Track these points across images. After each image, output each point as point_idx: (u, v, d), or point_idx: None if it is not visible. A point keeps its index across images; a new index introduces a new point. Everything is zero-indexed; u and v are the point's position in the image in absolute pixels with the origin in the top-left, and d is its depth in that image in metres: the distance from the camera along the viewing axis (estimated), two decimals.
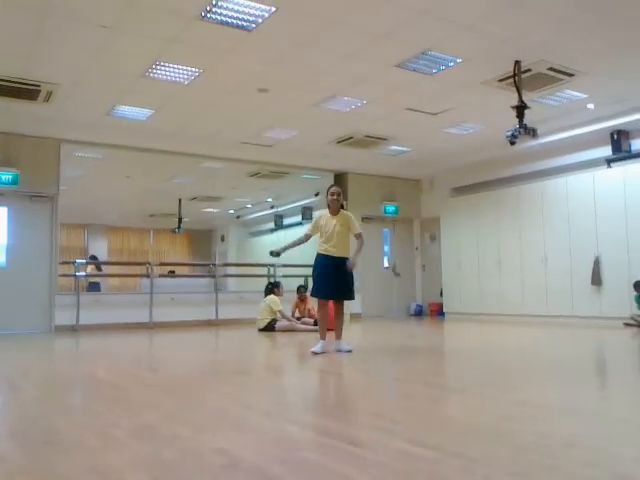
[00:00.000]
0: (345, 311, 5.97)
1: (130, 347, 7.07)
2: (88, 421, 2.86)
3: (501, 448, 2.25)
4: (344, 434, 2.50)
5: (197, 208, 16.83)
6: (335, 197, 5.72)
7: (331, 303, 5.82)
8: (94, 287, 12.67)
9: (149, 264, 10.42)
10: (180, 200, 15.62)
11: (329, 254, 5.57)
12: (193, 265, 16.60)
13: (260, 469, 2.00)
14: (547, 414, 2.89)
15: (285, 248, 5.99)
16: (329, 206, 5.76)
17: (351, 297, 5.70)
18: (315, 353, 5.48)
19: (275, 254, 6.04)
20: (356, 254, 5.66)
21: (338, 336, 5.71)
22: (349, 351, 5.53)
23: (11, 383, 4.22)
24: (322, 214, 5.82)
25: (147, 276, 10.24)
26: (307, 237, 5.87)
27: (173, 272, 12.89)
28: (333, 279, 5.56)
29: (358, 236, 5.73)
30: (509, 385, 3.89)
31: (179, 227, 17.04)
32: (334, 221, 5.65)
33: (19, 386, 4.05)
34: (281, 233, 16.95)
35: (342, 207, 5.84)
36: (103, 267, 13.93)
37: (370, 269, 12.02)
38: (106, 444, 2.37)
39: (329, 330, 5.74)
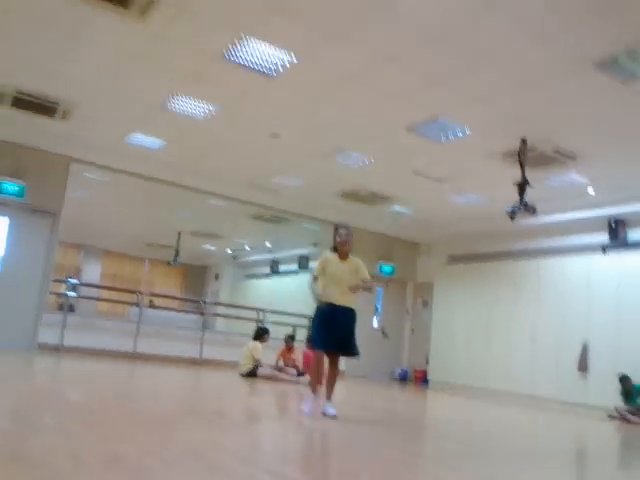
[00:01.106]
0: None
1: (112, 375, 6.99)
2: (59, 442, 2.82)
3: None
4: None
5: (195, 243, 16.89)
6: (346, 240, 5.15)
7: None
8: (69, 309, 12.37)
9: (140, 293, 10.39)
10: (180, 233, 15.69)
11: (337, 303, 5.00)
12: (183, 300, 16.53)
13: None
14: None
15: (318, 296, 5.11)
16: (336, 249, 5.17)
17: (357, 352, 5.08)
18: (307, 414, 5.09)
19: (319, 301, 5.13)
20: (362, 286, 5.07)
21: (328, 396, 5.03)
22: (334, 416, 4.82)
23: None
24: (328, 256, 5.18)
25: (137, 304, 10.19)
26: (317, 281, 5.17)
27: (152, 302, 12.75)
28: (338, 330, 4.97)
29: (369, 279, 5.21)
30: (479, 461, 3.85)
31: (175, 260, 17.04)
32: (343, 266, 5.09)
33: None
34: (276, 279, 16.96)
35: None
36: (95, 290, 13.86)
37: (358, 327, 11.83)
38: (74, 468, 2.34)
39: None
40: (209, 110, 7.15)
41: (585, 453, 5.02)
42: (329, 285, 5.05)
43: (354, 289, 5.00)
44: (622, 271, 9.26)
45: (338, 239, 5.16)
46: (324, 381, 5.19)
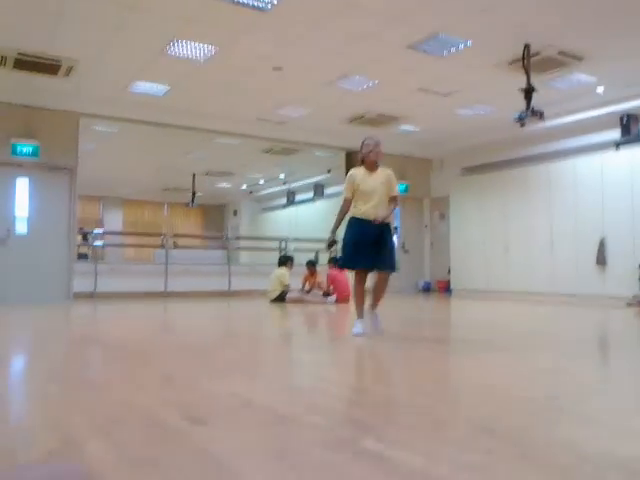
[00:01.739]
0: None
1: (148, 313, 7.39)
2: (114, 370, 3.15)
3: (489, 398, 2.51)
4: (344, 383, 2.77)
5: (211, 183, 17.09)
6: (374, 150, 4.79)
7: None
8: (82, 257, 12.46)
9: (164, 235, 10.71)
10: (194, 175, 15.89)
11: (370, 217, 4.64)
12: (206, 238, 16.89)
13: (271, 408, 2.27)
14: (535, 375, 3.14)
15: (335, 230, 4.90)
16: (363, 161, 4.82)
17: (395, 268, 4.80)
18: (357, 334, 4.69)
19: (331, 245, 5.04)
20: (389, 213, 4.78)
21: (374, 305, 4.83)
22: (376, 329, 4.68)
23: (40, 340, 4.54)
24: (354, 172, 4.83)
25: (162, 247, 10.55)
26: (348, 203, 4.80)
27: (176, 243, 13.05)
28: (377, 246, 4.65)
29: (394, 199, 4.84)
30: (506, 351, 4.13)
31: (193, 201, 17.33)
32: (373, 178, 4.74)
33: (47, 343, 4.36)
34: (292, 209, 17.21)
35: None
36: (119, 238, 14.18)
37: None
38: (134, 387, 2.66)
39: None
40: (209, 51, 7.16)
41: (605, 339, 5.30)
42: (359, 201, 4.71)
43: (383, 218, 4.67)
44: (635, 165, 9.30)
45: (365, 149, 4.80)
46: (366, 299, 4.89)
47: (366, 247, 4.63)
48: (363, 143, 4.86)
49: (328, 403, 2.38)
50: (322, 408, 2.29)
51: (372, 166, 4.79)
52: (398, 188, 4.92)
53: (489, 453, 1.71)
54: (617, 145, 9.60)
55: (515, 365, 3.47)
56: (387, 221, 4.74)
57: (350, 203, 4.77)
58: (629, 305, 8.89)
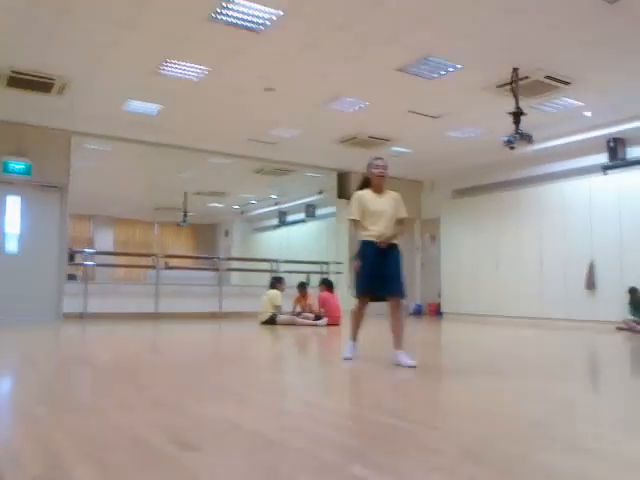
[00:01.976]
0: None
1: (138, 334, 7.35)
2: (104, 393, 3.14)
3: (476, 423, 2.52)
4: (332, 409, 2.78)
5: (202, 203, 17.12)
6: (383, 171, 4.66)
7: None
8: (71, 278, 12.28)
9: (155, 256, 10.70)
10: (186, 194, 15.92)
11: (379, 240, 4.48)
12: (198, 258, 16.87)
13: (260, 433, 2.27)
14: (520, 399, 3.15)
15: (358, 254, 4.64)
16: (371, 182, 4.67)
17: (403, 293, 4.59)
18: (347, 359, 4.60)
19: (357, 265, 4.61)
20: (397, 234, 4.60)
21: (398, 345, 4.47)
22: (413, 366, 4.25)
23: (29, 361, 4.51)
24: (361, 193, 4.65)
25: (153, 267, 10.53)
26: (357, 225, 4.63)
27: (167, 264, 12.98)
28: (386, 271, 4.48)
29: (402, 222, 4.68)
30: (493, 375, 4.15)
31: (184, 221, 17.33)
32: (382, 200, 4.59)
33: (36, 364, 4.34)
34: (284, 230, 17.24)
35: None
36: (111, 258, 14.13)
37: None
38: (122, 410, 2.65)
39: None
40: (202, 71, 7.24)
41: (596, 362, 5.33)
42: (370, 224, 4.53)
43: (391, 239, 4.53)
44: (623, 189, 9.43)
45: (375, 171, 4.64)
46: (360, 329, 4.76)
47: (380, 271, 4.45)
48: (371, 163, 4.72)
49: (316, 428, 2.38)
50: (310, 433, 2.29)
51: (380, 188, 4.65)
52: (405, 211, 4.69)
53: None
54: (604, 169, 9.73)
55: (502, 389, 3.48)
56: (396, 242, 4.58)
57: (358, 225, 4.60)
58: (619, 329, 8.92)
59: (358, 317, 4.70)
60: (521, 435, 2.33)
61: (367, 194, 4.62)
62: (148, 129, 9.68)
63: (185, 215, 17.11)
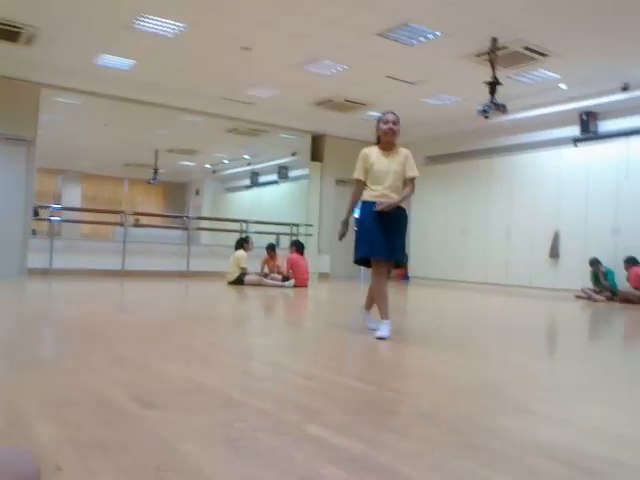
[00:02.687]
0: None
1: (104, 291, 7.31)
2: (67, 350, 3.14)
3: (433, 386, 2.60)
4: (295, 370, 2.83)
5: (173, 160, 16.86)
6: (393, 126, 4.18)
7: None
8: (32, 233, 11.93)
9: (123, 213, 10.57)
10: (157, 151, 15.64)
11: (382, 200, 4.07)
12: (167, 217, 16.71)
13: (222, 393, 2.30)
14: (479, 364, 3.25)
15: (348, 219, 4.24)
16: (379, 139, 4.26)
17: (405, 262, 4.39)
18: (382, 338, 3.92)
19: (343, 236, 4.24)
20: (401, 200, 4.14)
21: (370, 306, 4.35)
22: (382, 338, 3.93)
23: None
24: (367, 151, 4.24)
25: (122, 224, 10.41)
26: (361, 184, 4.21)
27: (137, 221, 12.87)
28: (391, 234, 4.09)
29: (411, 181, 4.19)
30: (454, 340, 4.26)
31: (155, 178, 17.06)
32: (389, 158, 4.17)
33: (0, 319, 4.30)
34: (256, 191, 17.12)
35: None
36: (79, 214, 13.86)
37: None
38: (85, 368, 2.66)
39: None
40: (177, 28, 7.06)
41: (554, 329, 5.50)
42: (373, 183, 4.14)
43: (393, 205, 4.06)
44: (592, 162, 9.59)
45: (383, 126, 4.18)
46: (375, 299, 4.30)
47: (386, 233, 4.04)
48: (380, 118, 4.26)
49: (278, 389, 2.43)
50: (272, 393, 2.34)
51: (388, 145, 4.21)
52: (416, 169, 4.20)
53: (427, 440, 1.79)
54: (575, 141, 9.86)
55: (462, 355, 3.58)
56: (402, 206, 4.19)
57: (362, 185, 4.18)
58: (578, 297, 9.20)
59: (383, 291, 4.16)
60: (475, 398, 2.42)
61: (374, 152, 4.21)
62: (120, 84, 9.44)
63: (156, 173, 16.82)
